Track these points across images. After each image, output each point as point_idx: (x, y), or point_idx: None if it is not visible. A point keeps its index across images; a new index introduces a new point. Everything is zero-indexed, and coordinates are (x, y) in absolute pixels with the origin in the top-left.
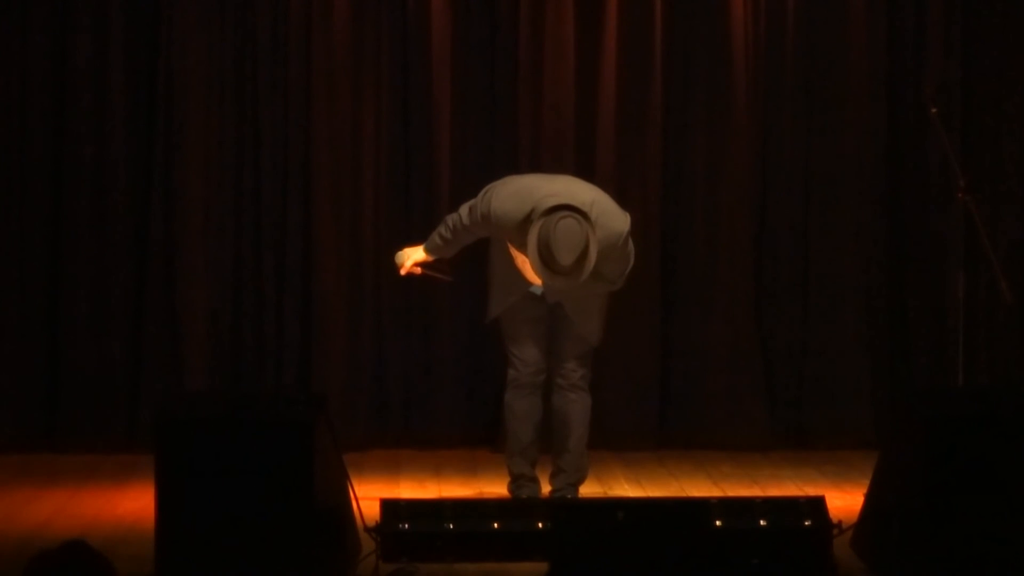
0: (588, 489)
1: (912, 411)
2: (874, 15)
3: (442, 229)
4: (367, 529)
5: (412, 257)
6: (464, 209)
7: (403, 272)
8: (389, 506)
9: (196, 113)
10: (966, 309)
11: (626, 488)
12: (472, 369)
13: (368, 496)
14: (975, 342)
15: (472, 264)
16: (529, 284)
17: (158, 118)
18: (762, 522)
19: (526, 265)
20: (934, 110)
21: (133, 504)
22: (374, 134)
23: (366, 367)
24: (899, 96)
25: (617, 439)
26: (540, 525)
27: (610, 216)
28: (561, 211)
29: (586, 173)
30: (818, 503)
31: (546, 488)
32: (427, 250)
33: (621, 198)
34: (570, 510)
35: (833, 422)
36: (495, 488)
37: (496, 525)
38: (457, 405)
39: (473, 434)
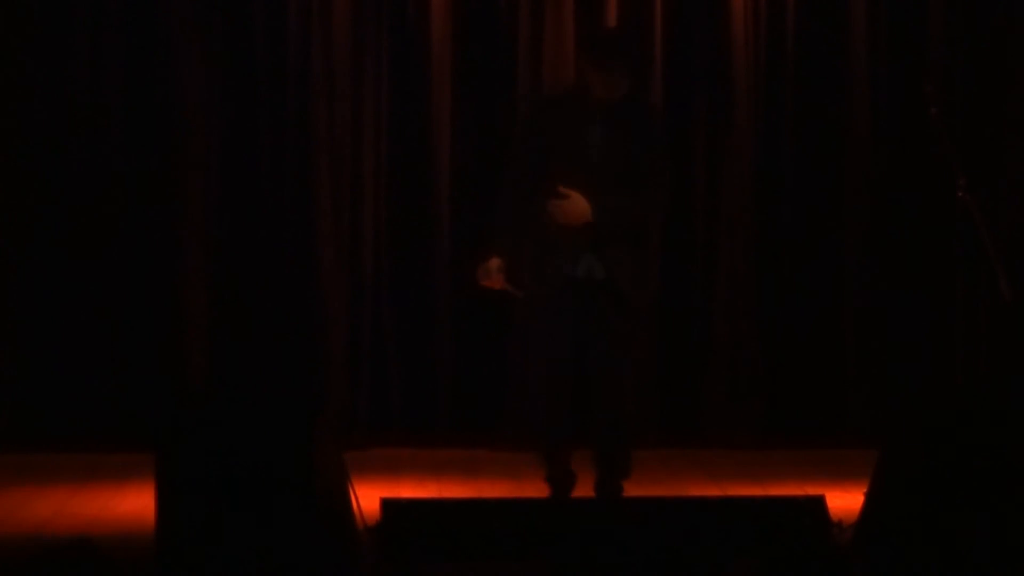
0: (588, 489)
1: (912, 411)
2: (875, 14)
3: (496, 215)
4: (367, 529)
5: (490, 266)
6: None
7: (487, 282)
8: (389, 506)
9: (196, 113)
10: (966, 309)
11: (626, 488)
12: (472, 369)
13: (368, 496)
14: (975, 342)
15: (468, 263)
16: (564, 260)
17: (157, 116)
18: (762, 521)
19: (563, 207)
20: (934, 110)
21: (133, 504)
22: (373, 133)
23: (366, 367)
24: (899, 95)
25: None
26: (540, 525)
27: None
28: None
29: None
30: (818, 503)
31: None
32: (497, 251)
33: None
34: (570, 510)
35: (833, 422)
36: (495, 488)
37: (496, 525)
38: (457, 405)
39: (473, 434)
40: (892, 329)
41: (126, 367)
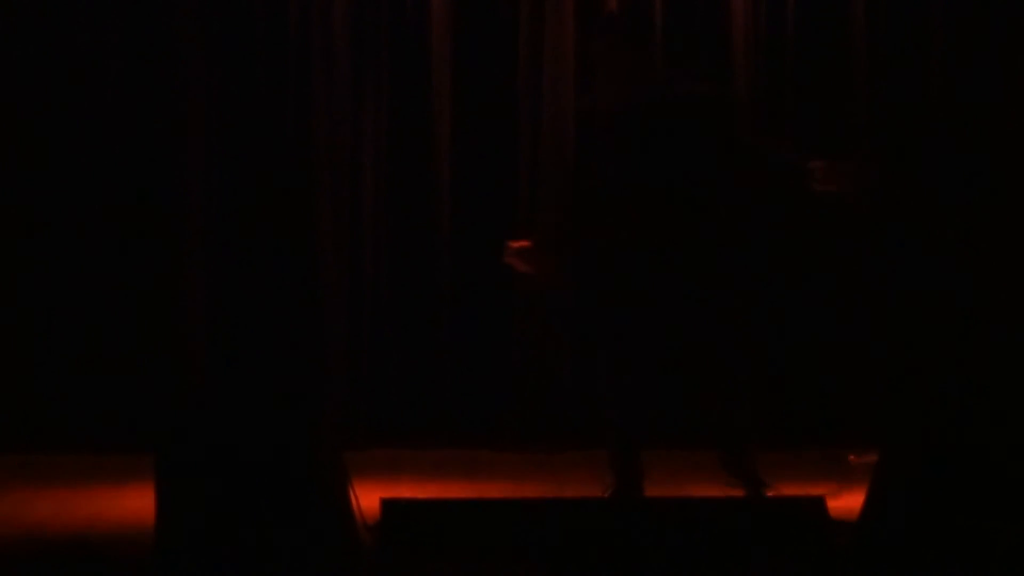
0: (589, 489)
1: (912, 411)
2: (875, 14)
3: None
4: (367, 529)
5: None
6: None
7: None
8: (389, 506)
9: (196, 112)
10: (965, 309)
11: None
12: (472, 369)
13: (368, 496)
14: (975, 342)
15: (468, 263)
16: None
17: (157, 115)
18: (762, 521)
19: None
20: (934, 109)
21: (133, 504)
22: (374, 133)
23: (366, 367)
24: (899, 93)
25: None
26: (540, 525)
27: None
28: None
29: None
30: (818, 503)
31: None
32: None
33: None
34: (571, 510)
35: (833, 422)
36: (495, 488)
37: (496, 525)
38: (457, 405)
39: (473, 434)
40: (893, 328)
41: (126, 367)
